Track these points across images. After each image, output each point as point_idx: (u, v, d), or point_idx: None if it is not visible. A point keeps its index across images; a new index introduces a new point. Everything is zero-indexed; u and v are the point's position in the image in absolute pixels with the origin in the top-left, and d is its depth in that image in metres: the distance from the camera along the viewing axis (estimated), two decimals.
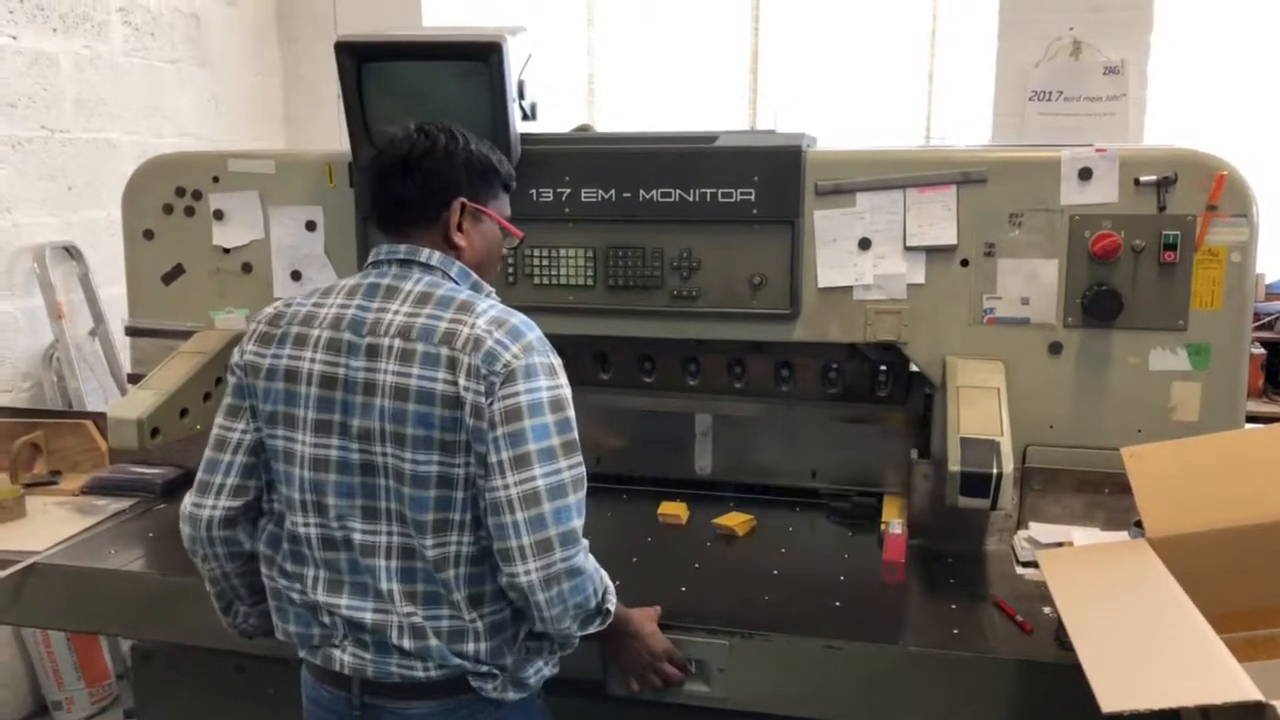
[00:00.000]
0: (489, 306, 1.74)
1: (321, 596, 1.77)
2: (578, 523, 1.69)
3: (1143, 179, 2.34)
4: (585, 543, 1.71)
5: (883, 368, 2.69)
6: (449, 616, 1.72)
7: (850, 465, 2.78)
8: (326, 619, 1.77)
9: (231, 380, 1.84)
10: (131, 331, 2.99)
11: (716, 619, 2.05)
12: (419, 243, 1.80)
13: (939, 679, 1.96)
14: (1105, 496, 2.38)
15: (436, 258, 1.79)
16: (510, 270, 2.66)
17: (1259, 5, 4.98)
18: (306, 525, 1.76)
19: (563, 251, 2.63)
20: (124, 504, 2.77)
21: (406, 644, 1.72)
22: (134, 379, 2.93)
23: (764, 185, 2.48)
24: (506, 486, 1.64)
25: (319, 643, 1.80)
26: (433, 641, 1.71)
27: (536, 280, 2.65)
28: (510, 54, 2.43)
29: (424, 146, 1.79)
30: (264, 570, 1.86)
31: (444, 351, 1.67)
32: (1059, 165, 2.38)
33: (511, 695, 1.78)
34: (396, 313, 1.72)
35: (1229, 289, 2.35)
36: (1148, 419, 2.40)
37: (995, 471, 2.11)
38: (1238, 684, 1.36)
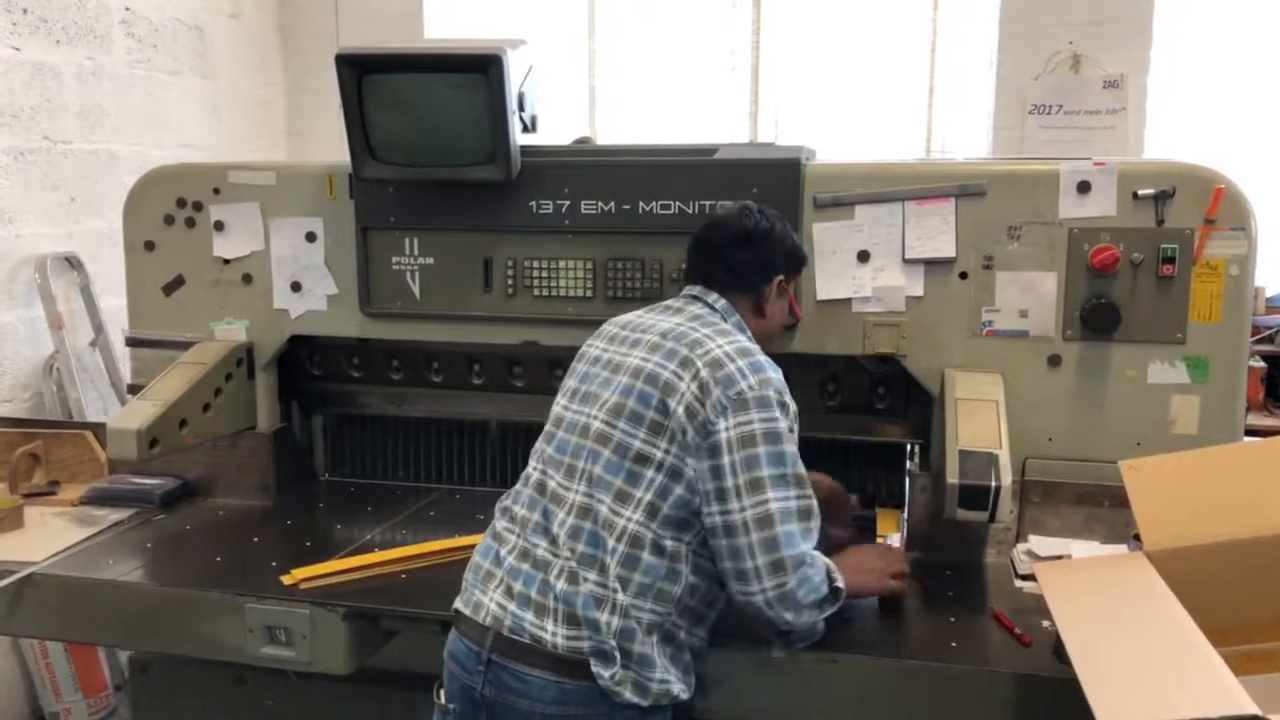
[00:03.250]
0: (741, 339, 1.97)
1: (515, 535, 1.95)
2: (806, 546, 1.83)
3: (1141, 192, 2.34)
4: (809, 549, 1.84)
5: (881, 380, 2.69)
6: (596, 581, 1.83)
7: (849, 478, 2.78)
8: (505, 552, 1.94)
9: None
10: (132, 342, 2.99)
11: (714, 631, 2.04)
12: (733, 304, 2.07)
13: (937, 692, 1.95)
14: (1104, 509, 2.38)
15: (721, 304, 2.07)
16: (510, 282, 2.67)
17: (1258, 19, 4.99)
18: (535, 469, 2.01)
19: (562, 263, 2.64)
20: (123, 515, 2.77)
21: (561, 585, 1.83)
22: (134, 390, 2.93)
23: (763, 198, 2.47)
24: (742, 509, 1.79)
25: (481, 579, 1.95)
26: (582, 588, 1.82)
27: (536, 292, 2.66)
28: (510, 66, 2.44)
29: (764, 226, 2.10)
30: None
31: (684, 351, 1.90)
32: (1057, 178, 2.38)
33: (629, 695, 1.80)
34: (668, 321, 2.01)
35: (1227, 302, 2.35)
36: (1147, 432, 2.39)
37: (994, 484, 2.11)
38: (1233, 698, 1.36)
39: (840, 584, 1.91)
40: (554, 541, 1.88)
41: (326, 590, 2.29)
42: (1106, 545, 2.32)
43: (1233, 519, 1.81)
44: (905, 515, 2.61)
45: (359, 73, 2.52)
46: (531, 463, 2.04)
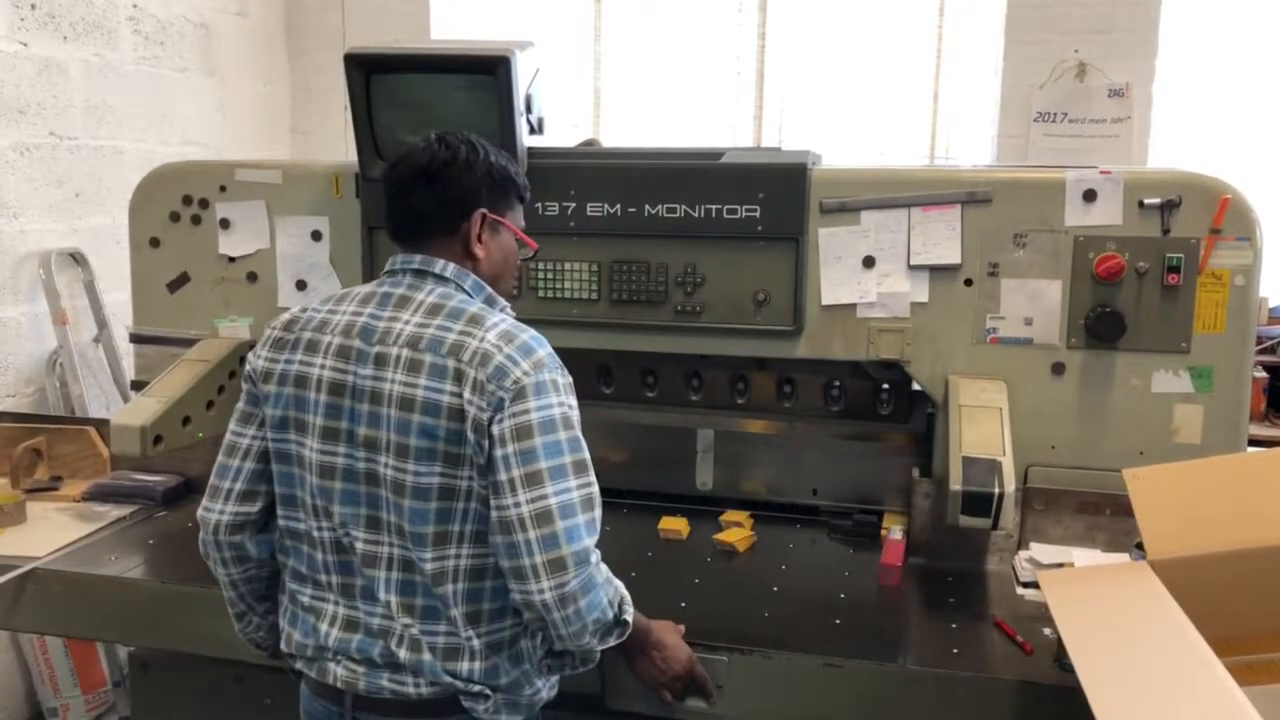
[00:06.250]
0: (499, 320, 1.73)
1: (330, 602, 1.78)
2: (589, 541, 1.66)
3: (1147, 201, 2.34)
4: (597, 554, 1.68)
5: (885, 386, 2.69)
6: (445, 633, 1.72)
7: (852, 483, 2.78)
8: (326, 626, 1.77)
9: (245, 386, 1.85)
10: (136, 339, 3.00)
11: (716, 635, 2.05)
12: (436, 254, 1.79)
13: (938, 698, 1.95)
14: (1106, 518, 2.38)
15: (451, 269, 1.79)
16: (515, 283, 2.67)
17: (1263, 29, 5.00)
18: (320, 529, 1.77)
19: (567, 265, 2.64)
20: (125, 511, 2.77)
21: (404, 655, 1.71)
22: (137, 386, 2.94)
23: (769, 202, 2.49)
24: (518, 505, 1.62)
25: (314, 654, 1.80)
26: (426, 656, 1.71)
27: (541, 293, 2.66)
28: (518, 68, 2.45)
29: (445, 157, 1.78)
30: (282, 573, 1.88)
31: (451, 364, 1.65)
32: (1064, 186, 2.38)
33: (504, 718, 1.77)
34: (407, 323, 1.71)
35: (1232, 312, 2.35)
36: (1150, 441, 2.39)
37: (997, 491, 2.11)
38: (1240, 709, 1.35)
39: (629, 617, 1.75)
40: (387, 606, 1.72)
41: None
42: (1108, 554, 2.32)
43: (1236, 529, 1.80)
44: (907, 522, 2.60)
45: (367, 72, 2.53)
46: (304, 520, 1.78)
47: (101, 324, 4.15)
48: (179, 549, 2.56)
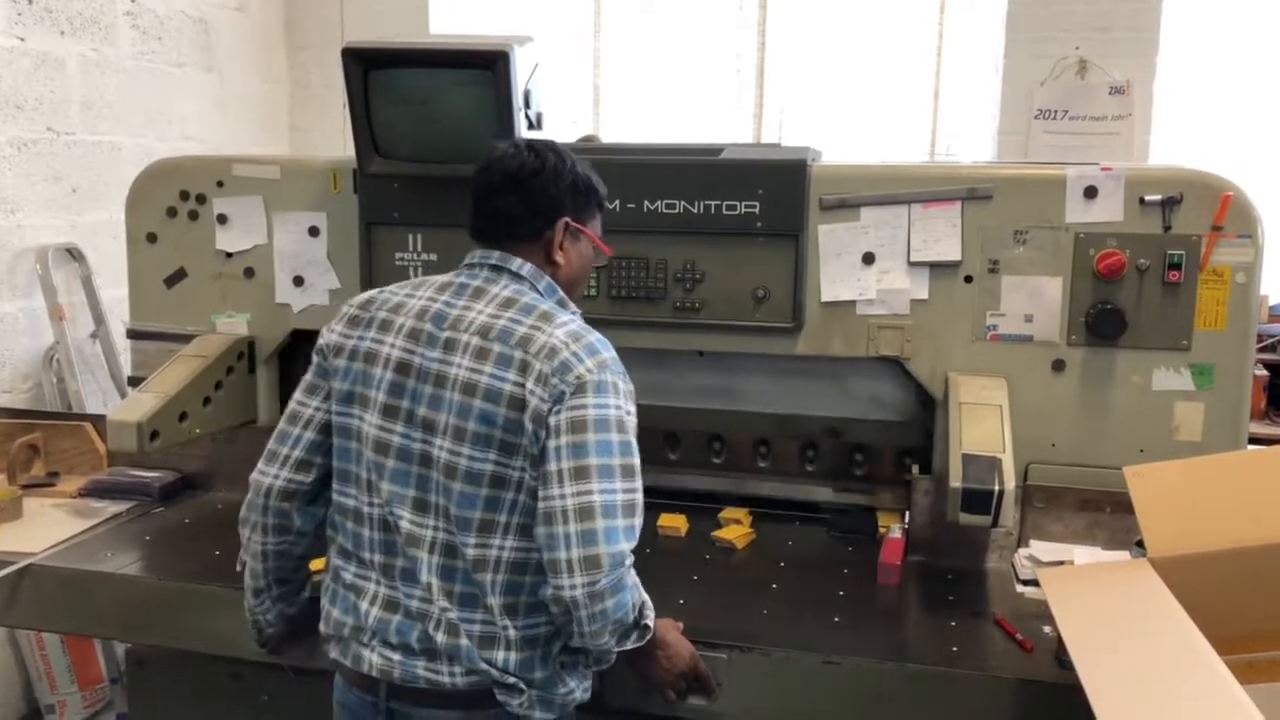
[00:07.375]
0: (569, 319, 1.78)
1: (372, 581, 1.81)
2: (626, 546, 1.67)
3: (1148, 198, 2.34)
4: (632, 559, 1.69)
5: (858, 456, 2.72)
6: (482, 620, 1.73)
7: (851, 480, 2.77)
8: (366, 605, 1.79)
9: (315, 359, 1.89)
10: (133, 334, 2.99)
11: (715, 632, 2.04)
12: (525, 257, 1.85)
13: (938, 696, 1.94)
14: (1107, 515, 2.37)
15: (528, 269, 1.84)
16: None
17: (1265, 27, 4.99)
18: (370, 505, 1.80)
19: None
20: (121, 507, 2.76)
21: (441, 640, 1.72)
22: (134, 382, 2.93)
23: (769, 198, 2.48)
24: (563, 497, 1.65)
25: (350, 634, 1.81)
26: (463, 642, 1.72)
27: None
28: (516, 63, 2.44)
29: (534, 165, 1.84)
30: (328, 550, 1.90)
31: (518, 354, 1.70)
32: (1064, 183, 2.38)
33: (538, 715, 1.77)
34: (480, 312, 1.77)
35: (1233, 310, 2.34)
36: (1150, 438, 2.39)
37: (997, 488, 2.11)
38: (1241, 708, 1.35)
39: (650, 623, 1.76)
40: (427, 589, 1.74)
41: None
42: (1108, 551, 2.31)
43: (1237, 527, 1.80)
44: (907, 521, 2.60)
45: (365, 67, 2.51)
46: (356, 496, 1.82)
47: (99, 319, 4.14)
48: (176, 545, 2.55)
